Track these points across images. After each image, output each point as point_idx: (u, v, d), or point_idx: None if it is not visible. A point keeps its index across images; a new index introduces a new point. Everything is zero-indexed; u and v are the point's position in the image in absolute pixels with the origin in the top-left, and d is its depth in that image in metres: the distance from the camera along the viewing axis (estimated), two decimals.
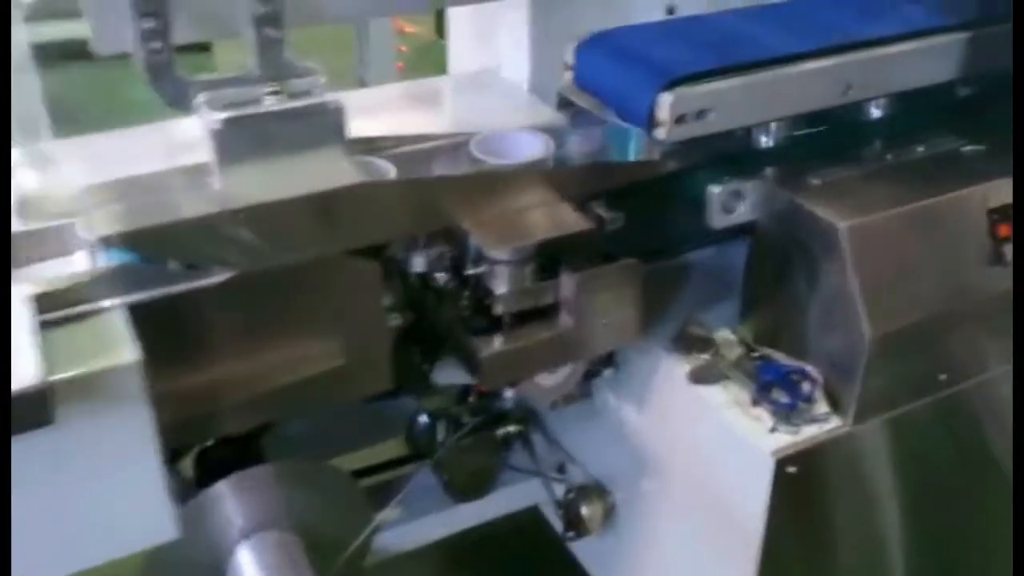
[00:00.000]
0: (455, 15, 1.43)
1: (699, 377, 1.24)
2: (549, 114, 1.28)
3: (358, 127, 1.16)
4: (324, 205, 0.99)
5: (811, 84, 1.15)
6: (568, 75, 1.22)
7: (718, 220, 1.20)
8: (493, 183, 1.10)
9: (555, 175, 1.14)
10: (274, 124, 0.98)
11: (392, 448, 1.57)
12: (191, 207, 0.96)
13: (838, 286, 1.13)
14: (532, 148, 1.17)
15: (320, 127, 1.00)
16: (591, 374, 1.35)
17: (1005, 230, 1.20)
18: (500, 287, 1.14)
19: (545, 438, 1.57)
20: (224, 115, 0.95)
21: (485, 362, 1.14)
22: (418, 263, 1.13)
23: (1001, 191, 1.22)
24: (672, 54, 1.14)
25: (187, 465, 1.30)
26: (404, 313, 1.27)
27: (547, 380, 1.29)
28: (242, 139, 0.97)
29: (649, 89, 1.08)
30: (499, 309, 1.14)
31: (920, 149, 1.27)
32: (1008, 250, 1.20)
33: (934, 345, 1.20)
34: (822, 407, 1.17)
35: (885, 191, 1.18)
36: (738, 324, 1.29)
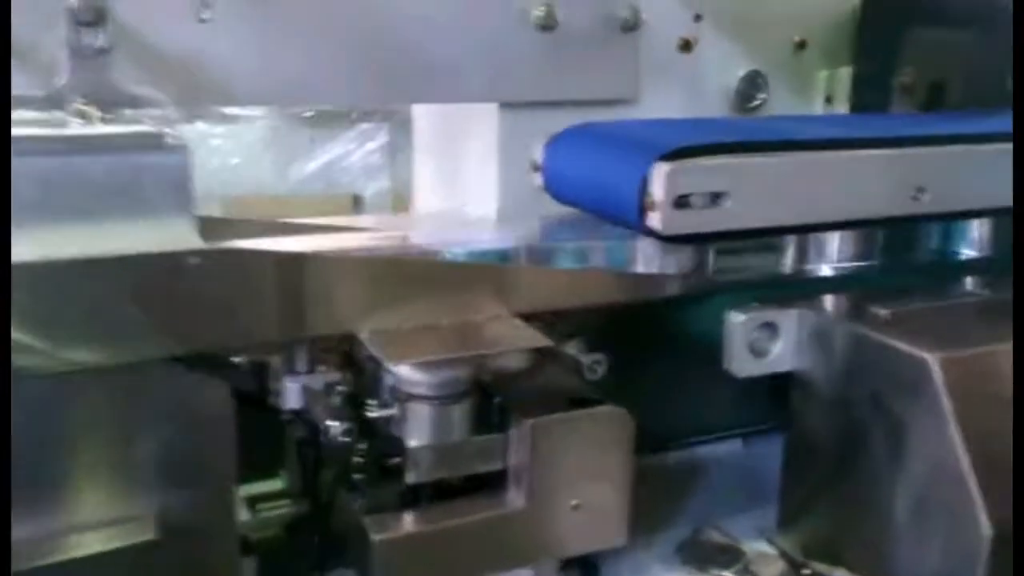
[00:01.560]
0: (420, 161, 1.17)
1: None
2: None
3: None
4: (132, 278, 0.65)
5: (868, 178, 0.81)
6: (537, 178, 0.92)
7: (742, 365, 0.83)
8: (419, 271, 0.76)
9: (505, 274, 0.80)
10: (76, 157, 0.67)
11: None
12: None
13: (935, 458, 0.73)
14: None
15: (146, 171, 0.69)
16: None
17: None
18: (414, 437, 0.76)
19: None
20: None
21: (379, 551, 0.73)
22: (293, 394, 0.77)
23: None
24: (671, 133, 0.83)
25: None
26: (297, 499, 0.90)
27: None
28: (26, 175, 0.66)
29: (639, 163, 0.76)
30: (412, 474, 0.76)
31: None
32: None
33: None
34: None
35: (983, 325, 0.82)
36: (776, 532, 0.88)
